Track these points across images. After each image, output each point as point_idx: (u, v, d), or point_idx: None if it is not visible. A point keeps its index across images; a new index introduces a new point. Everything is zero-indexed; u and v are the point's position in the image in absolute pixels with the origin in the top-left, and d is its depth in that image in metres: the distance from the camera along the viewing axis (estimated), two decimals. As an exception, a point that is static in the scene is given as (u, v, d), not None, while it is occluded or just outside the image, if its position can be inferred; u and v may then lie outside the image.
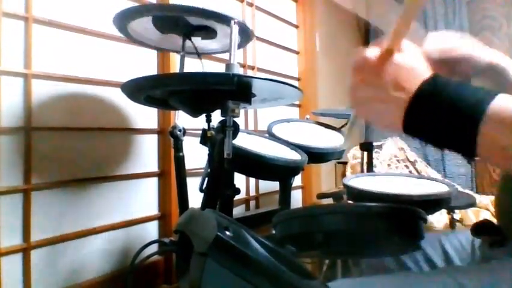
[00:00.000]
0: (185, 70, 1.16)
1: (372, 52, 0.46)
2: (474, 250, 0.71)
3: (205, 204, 0.87)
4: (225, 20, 0.95)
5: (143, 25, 1.02)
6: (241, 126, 1.04)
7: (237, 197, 0.89)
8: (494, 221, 0.69)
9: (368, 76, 0.46)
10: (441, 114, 0.42)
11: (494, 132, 0.39)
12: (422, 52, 0.50)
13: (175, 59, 1.41)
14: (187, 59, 1.13)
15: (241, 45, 1.15)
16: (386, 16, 2.94)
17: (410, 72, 0.45)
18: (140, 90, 0.84)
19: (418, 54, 0.48)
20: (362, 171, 1.68)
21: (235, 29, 0.80)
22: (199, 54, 1.11)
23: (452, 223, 1.48)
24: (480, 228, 0.67)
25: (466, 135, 0.40)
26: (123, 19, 0.98)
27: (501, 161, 0.42)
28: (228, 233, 0.41)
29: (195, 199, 1.03)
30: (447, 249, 0.73)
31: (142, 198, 1.36)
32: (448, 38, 0.67)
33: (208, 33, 1.05)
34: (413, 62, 0.46)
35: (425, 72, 0.45)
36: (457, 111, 0.41)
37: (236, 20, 0.81)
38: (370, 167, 1.58)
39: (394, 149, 2.32)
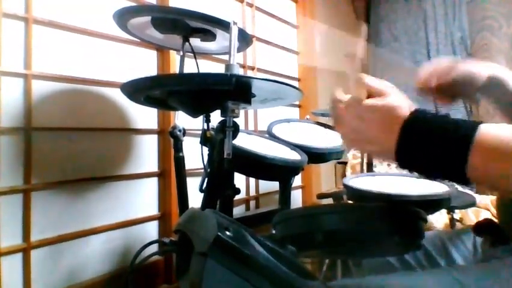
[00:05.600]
0: (186, 70, 1.16)
1: (348, 101, 0.49)
2: (476, 249, 0.72)
3: (205, 204, 0.87)
4: (223, 24, 0.96)
5: (143, 24, 1.02)
6: (241, 127, 1.04)
7: (237, 197, 0.89)
8: (495, 220, 0.69)
9: (352, 123, 0.49)
10: (429, 149, 0.44)
11: (484, 161, 0.42)
12: (419, 81, 0.54)
13: (175, 59, 1.41)
14: (188, 60, 1.13)
15: (240, 49, 1.15)
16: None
17: (390, 112, 0.46)
18: (140, 90, 0.84)
19: (394, 93, 0.49)
20: (362, 171, 1.68)
21: (235, 29, 0.80)
22: (195, 55, 1.11)
23: (452, 223, 1.48)
24: (482, 228, 0.67)
25: (456, 168, 0.42)
26: (122, 17, 0.98)
27: (497, 186, 0.45)
28: (228, 233, 0.41)
29: (195, 199, 1.03)
30: (449, 248, 0.73)
31: (142, 198, 1.36)
32: (442, 62, 0.69)
33: (207, 35, 1.06)
34: (391, 102, 0.47)
35: (403, 108, 0.46)
36: (443, 145, 0.43)
37: (235, 21, 0.81)
38: (370, 167, 1.58)
39: (394, 149, 2.32)
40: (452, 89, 0.68)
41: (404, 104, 0.47)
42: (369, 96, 0.48)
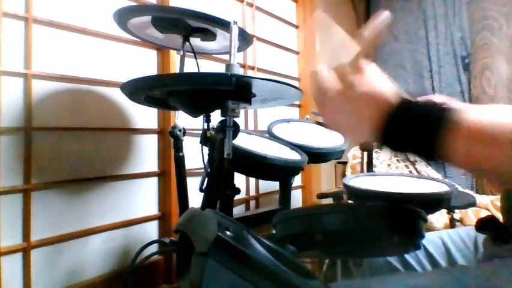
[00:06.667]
0: (186, 70, 1.16)
1: (339, 70, 0.50)
2: (477, 247, 0.71)
3: (205, 204, 0.87)
4: (224, 24, 0.96)
5: (143, 23, 1.02)
6: (241, 126, 1.04)
7: (237, 197, 0.89)
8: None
9: (342, 92, 0.49)
10: (412, 126, 0.45)
11: (465, 144, 0.42)
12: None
13: (175, 59, 1.41)
14: (188, 59, 1.13)
15: (241, 48, 1.15)
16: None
17: (380, 90, 0.48)
18: (140, 90, 0.84)
19: (383, 75, 0.50)
20: (362, 171, 1.68)
21: (235, 29, 0.80)
22: (196, 55, 1.11)
23: (452, 223, 1.48)
24: (484, 224, 0.67)
25: (433, 145, 0.43)
26: (123, 17, 0.98)
27: (482, 172, 0.45)
28: (228, 233, 0.41)
29: (195, 199, 1.03)
30: (449, 247, 0.73)
31: (142, 198, 1.36)
32: None
33: (208, 35, 1.06)
34: (378, 80, 0.49)
35: (389, 88, 0.48)
36: (425, 124, 0.45)
37: (236, 21, 0.81)
38: (370, 167, 1.58)
39: (394, 149, 2.32)
40: None
41: (387, 82, 0.49)
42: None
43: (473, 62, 2.60)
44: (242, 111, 1.78)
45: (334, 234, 0.61)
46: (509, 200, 0.66)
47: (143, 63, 1.38)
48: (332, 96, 0.50)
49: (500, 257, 0.58)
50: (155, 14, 1.00)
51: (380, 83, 0.49)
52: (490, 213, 1.83)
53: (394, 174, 1.57)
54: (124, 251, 1.28)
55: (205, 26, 1.01)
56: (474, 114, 0.43)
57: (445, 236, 0.76)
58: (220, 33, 1.05)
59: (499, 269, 0.54)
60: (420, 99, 0.49)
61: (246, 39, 1.12)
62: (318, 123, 1.61)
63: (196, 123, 1.09)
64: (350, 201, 1.05)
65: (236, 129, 0.81)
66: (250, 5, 1.89)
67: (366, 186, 0.97)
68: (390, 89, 0.48)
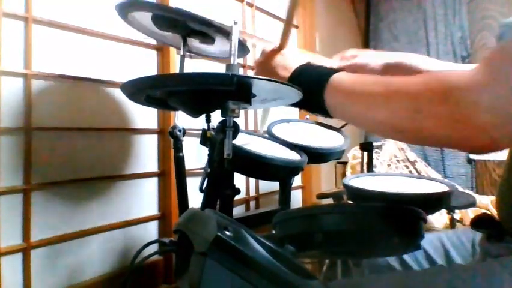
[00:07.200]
0: (187, 70, 1.16)
1: (270, 47, 0.74)
2: (474, 247, 0.71)
3: (205, 204, 0.87)
4: (221, 31, 0.96)
5: (145, 20, 1.02)
6: (241, 127, 1.04)
7: (237, 197, 0.89)
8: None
9: (267, 61, 0.72)
10: (304, 86, 0.62)
11: (334, 97, 0.58)
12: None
13: (175, 59, 1.41)
14: (188, 59, 1.13)
15: (238, 56, 1.16)
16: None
17: (292, 60, 0.69)
18: (140, 90, 0.83)
19: (297, 51, 0.75)
20: (362, 171, 1.68)
21: (235, 30, 0.80)
22: (191, 55, 1.11)
23: (452, 223, 1.48)
24: (479, 222, 0.67)
25: (317, 101, 0.59)
26: (124, 10, 0.98)
27: (351, 122, 0.61)
28: (227, 232, 0.41)
29: (195, 199, 1.03)
30: (447, 248, 0.73)
31: (142, 198, 1.36)
32: (348, 52, 0.85)
33: (206, 38, 1.06)
34: (294, 55, 0.71)
35: (301, 60, 0.68)
36: (311, 85, 0.61)
37: (236, 21, 0.81)
38: (370, 167, 1.58)
39: (394, 149, 2.32)
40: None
41: (299, 56, 0.70)
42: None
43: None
44: (242, 112, 1.78)
45: (334, 234, 0.62)
46: (504, 196, 0.66)
47: (143, 63, 1.38)
48: (259, 62, 0.75)
49: (497, 256, 0.58)
50: (155, 12, 1.00)
51: (289, 58, 0.70)
52: (491, 214, 1.83)
53: (394, 175, 1.57)
54: (124, 251, 1.28)
55: (204, 30, 1.02)
56: (342, 75, 0.58)
57: (444, 237, 0.76)
58: (218, 38, 1.05)
59: (494, 268, 0.54)
60: (316, 65, 0.66)
61: (243, 47, 1.12)
62: (318, 123, 1.61)
63: (196, 123, 1.09)
64: (350, 202, 1.05)
65: (236, 129, 0.81)
66: (250, 5, 1.90)
67: (366, 187, 0.97)
68: (297, 63, 0.67)
